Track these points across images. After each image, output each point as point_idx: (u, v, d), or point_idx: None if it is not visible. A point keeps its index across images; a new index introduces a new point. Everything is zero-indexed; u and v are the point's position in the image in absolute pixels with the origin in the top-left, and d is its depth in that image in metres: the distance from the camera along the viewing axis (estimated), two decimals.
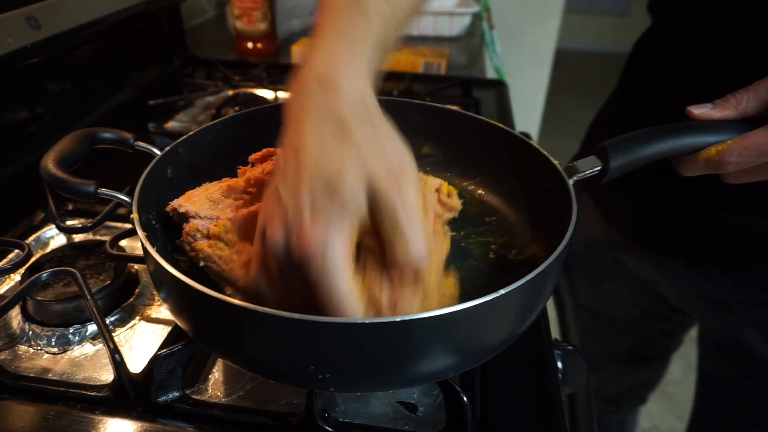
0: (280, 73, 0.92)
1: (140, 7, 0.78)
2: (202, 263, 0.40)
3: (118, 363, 0.36)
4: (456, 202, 0.50)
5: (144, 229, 0.35)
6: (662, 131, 0.42)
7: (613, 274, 0.73)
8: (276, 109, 0.52)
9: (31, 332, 0.44)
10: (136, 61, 0.85)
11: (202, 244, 0.41)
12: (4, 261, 0.45)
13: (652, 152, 0.41)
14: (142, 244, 0.33)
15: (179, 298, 0.32)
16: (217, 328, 0.31)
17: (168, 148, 0.45)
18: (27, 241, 0.52)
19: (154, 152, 0.44)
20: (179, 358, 0.37)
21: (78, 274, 0.43)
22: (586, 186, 0.72)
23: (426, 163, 0.57)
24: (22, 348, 0.43)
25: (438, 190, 0.49)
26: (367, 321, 0.28)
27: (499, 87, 0.93)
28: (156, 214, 0.43)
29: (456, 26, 1.19)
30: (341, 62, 0.33)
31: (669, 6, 0.59)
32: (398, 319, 0.28)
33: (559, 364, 0.47)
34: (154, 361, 0.36)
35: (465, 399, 0.34)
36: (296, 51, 0.98)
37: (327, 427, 0.34)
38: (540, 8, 1.70)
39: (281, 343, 0.30)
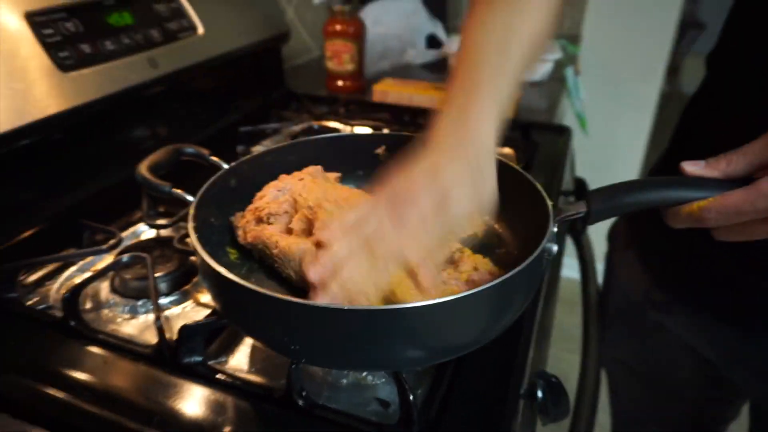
0: (357, 108, 1.03)
1: (246, 49, 0.94)
2: (250, 246, 0.50)
3: (159, 328, 0.47)
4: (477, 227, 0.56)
5: (202, 225, 0.46)
6: (649, 183, 0.45)
7: (656, 334, 0.71)
8: (318, 141, 0.62)
9: (112, 301, 0.56)
10: (240, 93, 1.01)
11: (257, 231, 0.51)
12: (105, 245, 0.59)
13: (635, 202, 0.44)
14: (190, 235, 0.44)
15: (209, 276, 0.41)
16: (229, 300, 0.41)
17: (234, 163, 0.56)
18: (124, 234, 0.65)
19: (223, 166, 0.56)
20: (202, 330, 0.46)
21: (149, 259, 0.55)
22: (633, 241, 0.73)
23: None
24: (104, 312, 0.56)
25: None
26: (330, 306, 0.36)
27: (562, 132, 0.96)
28: (217, 213, 0.54)
29: (538, 71, 1.23)
30: (481, 113, 0.42)
31: (730, 58, 0.59)
32: (354, 308, 0.35)
33: (540, 394, 0.50)
34: (183, 329, 0.46)
35: (411, 397, 0.40)
36: (377, 90, 1.09)
37: (300, 402, 0.42)
38: (643, 52, 1.67)
39: (267, 316, 0.38)
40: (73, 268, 0.61)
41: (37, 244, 0.60)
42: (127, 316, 0.55)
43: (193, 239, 0.42)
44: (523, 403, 0.47)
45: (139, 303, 0.55)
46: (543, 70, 1.23)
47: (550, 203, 0.48)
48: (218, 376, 0.45)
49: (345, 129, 0.92)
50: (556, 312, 0.88)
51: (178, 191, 0.49)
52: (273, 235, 0.49)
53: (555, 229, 0.45)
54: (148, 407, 0.43)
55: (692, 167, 0.43)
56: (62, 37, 0.65)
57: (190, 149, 0.55)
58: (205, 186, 0.50)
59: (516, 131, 0.93)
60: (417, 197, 0.40)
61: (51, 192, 0.65)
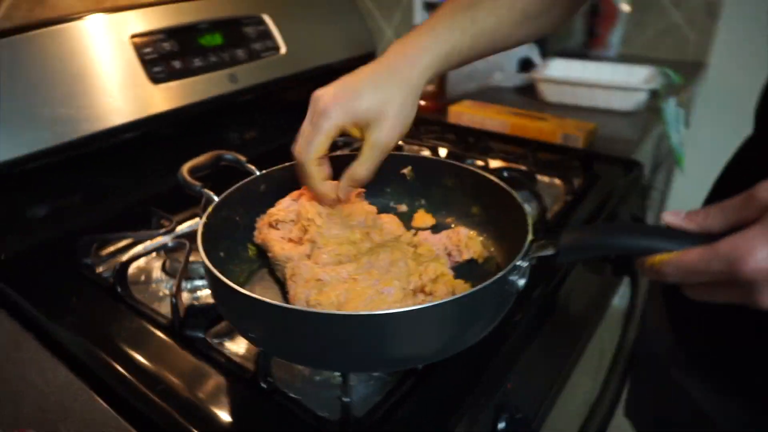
0: (425, 127, 1.07)
1: (326, 68, 1.03)
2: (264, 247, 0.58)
3: (174, 305, 0.55)
4: (467, 252, 0.58)
5: (225, 222, 0.55)
6: (621, 228, 0.44)
7: (675, 394, 0.66)
8: (350, 157, 0.68)
9: (160, 278, 0.67)
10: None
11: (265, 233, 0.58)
12: (161, 230, 0.70)
13: (604, 245, 0.44)
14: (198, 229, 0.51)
15: (208, 276, 0.49)
16: (211, 285, 0.48)
17: (265, 171, 0.64)
18: (183, 225, 0.76)
19: (255, 173, 0.63)
20: (205, 311, 0.54)
21: (187, 245, 0.64)
22: (666, 289, 0.68)
23: (472, 222, 0.65)
24: (152, 286, 0.66)
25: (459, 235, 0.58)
26: (273, 303, 0.41)
27: (632, 168, 0.91)
28: (242, 213, 0.61)
29: (629, 101, 1.17)
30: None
31: None
32: (294, 308, 0.40)
33: (502, 426, 0.50)
34: (188, 308, 0.54)
35: (343, 399, 0.43)
36: (452, 111, 1.12)
37: (263, 385, 0.47)
38: None
39: (231, 304, 0.45)
40: (139, 248, 0.73)
41: (116, 223, 0.73)
42: (167, 292, 0.65)
43: (198, 232, 0.50)
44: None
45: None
46: (634, 99, 1.16)
47: (529, 237, 0.48)
48: (210, 352, 0.53)
49: (403, 147, 0.97)
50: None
51: (208, 191, 0.58)
52: (273, 239, 0.56)
53: (523, 264, 0.46)
54: (156, 371, 0.51)
55: (671, 217, 0.42)
56: (158, 54, 0.78)
57: (229, 156, 0.64)
58: (230, 189, 0.58)
59: (575, 161, 0.90)
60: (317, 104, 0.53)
61: (133, 181, 0.78)
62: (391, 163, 0.68)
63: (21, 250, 0.70)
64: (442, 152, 0.95)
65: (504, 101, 1.18)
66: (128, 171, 0.78)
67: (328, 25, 1.06)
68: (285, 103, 1.05)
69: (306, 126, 0.55)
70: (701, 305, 0.59)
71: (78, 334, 0.55)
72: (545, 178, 0.89)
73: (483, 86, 1.34)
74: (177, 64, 0.80)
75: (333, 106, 0.52)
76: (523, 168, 0.87)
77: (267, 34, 0.93)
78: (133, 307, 0.59)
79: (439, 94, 1.20)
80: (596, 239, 0.44)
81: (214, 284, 0.45)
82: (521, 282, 0.46)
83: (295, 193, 0.62)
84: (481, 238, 0.61)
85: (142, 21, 0.78)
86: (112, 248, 0.71)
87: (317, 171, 0.54)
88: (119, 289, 0.61)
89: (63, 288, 0.62)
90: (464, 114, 1.11)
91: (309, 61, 0.99)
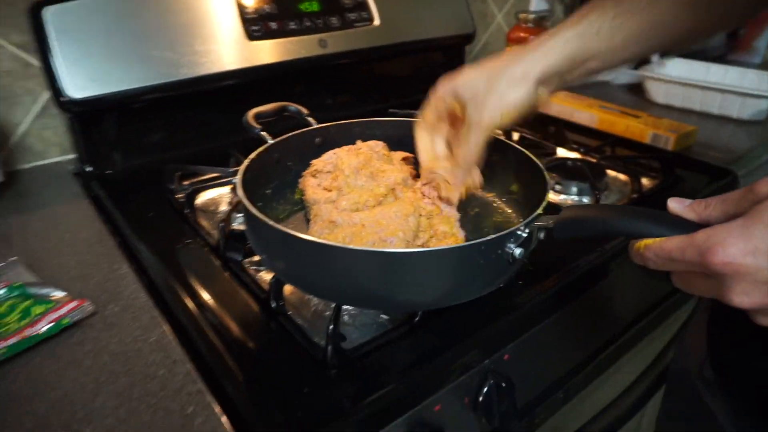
0: None
1: (418, 44, 1.06)
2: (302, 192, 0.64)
3: (221, 229, 0.63)
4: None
5: (277, 166, 0.62)
6: (619, 210, 0.44)
7: (702, 414, 0.61)
8: (402, 123, 0.70)
9: (224, 209, 0.76)
10: (410, 82, 1.14)
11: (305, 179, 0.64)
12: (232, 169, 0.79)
13: (600, 224, 0.43)
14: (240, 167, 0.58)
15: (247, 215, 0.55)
16: (246, 218, 0.54)
17: (321, 125, 0.69)
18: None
19: (313, 125, 0.69)
20: (242, 237, 0.61)
21: None
22: (710, 303, 0.63)
23: (510, 199, 0.65)
24: (217, 216, 0.75)
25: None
26: (290, 233, 0.46)
27: (724, 176, 0.83)
28: (296, 160, 0.67)
29: (747, 108, 1.05)
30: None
31: None
32: (306, 239, 0.45)
33: (485, 390, 0.51)
34: (230, 232, 0.62)
35: (329, 327, 0.47)
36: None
37: (273, 305, 0.53)
38: None
39: (256, 232, 0.50)
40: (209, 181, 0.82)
41: (200, 159, 0.83)
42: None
43: (243, 165, 0.56)
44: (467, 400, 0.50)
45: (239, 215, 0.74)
46: (754, 107, 1.04)
47: (538, 211, 0.48)
48: (242, 274, 0.60)
49: None
50: None
51: (264, 134, 0.64)
52: (309, 185, 0.61)
53: (521, 233, 0.47)
54: (197, 282, 0.59)
55: (674, 204, 0.40)
56: (258, 15, 0.87)
57: (292, 107, 0.70)
58: (284, 136, 0.65)
59: (655, 161, 0.84)
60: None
61: (221, 126, 0.88)
62: None
63: (123, 168, 0.83)
64: (515, 136, 0.94)
65: (608, 97, 1.13)
66: (219, 116, 0.88)
67: (428, 2, 1.08)
68: (375, 73, 1.10)
69: (442, 122, 0.58)
70: (737, 327, 0.55)
71: (145, 240, 0.65)
72: (619, 175, 0.85)
73: (587, 80, 1.28)
74: (273, 25, 0.88)
75: (441, 81, 0.55)
76: (592, 160, 0.84)
77: (363, 5, 0.98)
78: (194, 228, 0.68)
79: None
80: (591, 217, 0.43)
81: (243, 208, 0.51)
82: (518, 251, 0.47)
83: (338, 150, 0.66)
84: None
85: None
86: (193, 179, 0.82)
87: (420, 137, 0.58)
88: (187, 211, 0.71)
89: (146, 203, 0.73)
90: (554, 104, 1.08)
91: (401, 35, 1.03)
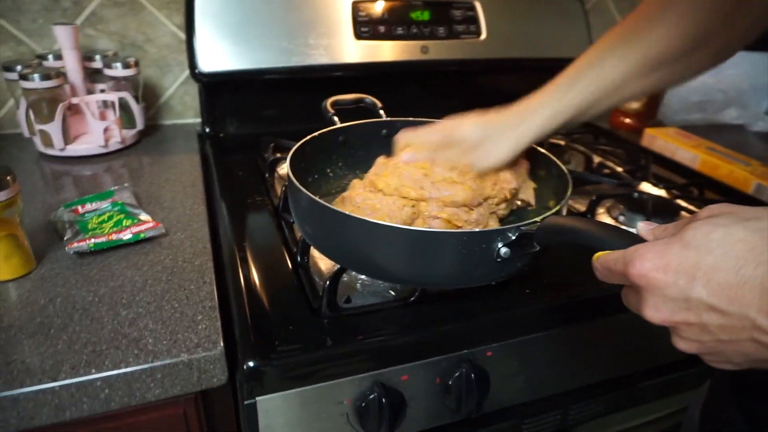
0: (605, 140, 1.03)
1: (525, 62, 1.08)
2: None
3: (283, 192, 0.73)
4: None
5: (345, 144, 0.70)
6: (586, 222, 0.45)
7: None
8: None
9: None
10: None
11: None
12: None
13: (570, 232, 0.45)
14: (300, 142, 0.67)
15: (290, 185, 0.64)
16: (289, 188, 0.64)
17: (388, 119, 0.76)
18: None
19: (383, 117, 0.76)
20: None
21: None
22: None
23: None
24: None
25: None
26: (319, 203, 0.54)
27: None
28: (360, 146, 0.74)
29: None
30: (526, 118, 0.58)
31: None
32: (329, 208, 0.53)
33: (456, 375, 0.54)
34: (283, 192, 0.71)
35: (327, 284, 0.54)
36: (647, 133, 1.05)
37: (298, 260, 0.61)
38: None
39: (295, 201, 0.58)
40: None
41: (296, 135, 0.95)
42: None
43: (302, 141, 0.66)
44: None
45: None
46: None
47: (536, 219, 0.50)
48: (288, 232, 0.69)
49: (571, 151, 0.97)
50: None
51: (335, 118, 0.73)
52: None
53: (511, 235, 0.49)
54: (252, 231, 0.70)
55: (641, 225, 0.41)
56: (369, 18, 0.97)
57: (368, 99, 0.78)
58: (352, 123, 0.73)
59: None
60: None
61: (320, 109, 0.99)
62: None
63: (234, 134, 0.98)
64: (596, 160, 0.92)
65: (733, 143, 1.03)
66: (321, 101, 0.99)
67: (543, 22, 1.10)
68: (479, 85, 1.14)
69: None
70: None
71: (225, 192, 0.78)
72: None
73: (713, 121, 1.18)
74: (381, 28, 0.97)
75: (444, 120, 0.64)
76: (666, 197, 0.79)
77: (473, 19, 1.03)
78: (268, 189, 0.80)
79: (645, 115, 1.12)
80: (566, 226, 0.45)
81: (291, 187, 0.60)
82: (504, 250, 0.49)
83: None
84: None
85: None
86: (286, 153, 0.94)
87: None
88: (267, 175, 0.83)
89: (240, 164, 0.87)
90: (657, 139, 1.03)
91: (507, 51, 1.06)
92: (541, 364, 0.60)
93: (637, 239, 0.39)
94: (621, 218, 0.78)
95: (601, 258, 0.39)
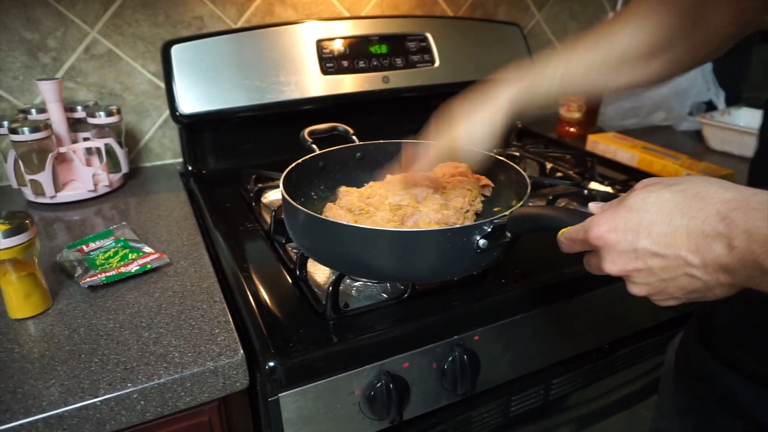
0: (552, 146, 1.15)
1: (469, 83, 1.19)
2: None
3: (273, 217, 0.80)
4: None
5: (323, 170, 0.77)
6: (549, 207, 0.54)
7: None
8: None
9: None
10: None
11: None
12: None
13: (537, 218, 0.53)
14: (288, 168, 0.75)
15: (286, 205, 0.72)
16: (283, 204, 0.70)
17: (362, 143, 0.84)
18: None
19: (356, 142, 0.84)
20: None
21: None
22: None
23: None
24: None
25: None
26: (309, 213, 0.61)
27: None
28: (338, 169, 0.82)
29: None
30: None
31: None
32: (311, 215, 0.60)
33: (449, 360, 0.61)
34: (273, 216, 0.78)
35: (330, 288, 0.61)
36: (590, 138, 1.17)
37: (297, 274, 0.68)
38: None
39: (291, 217, 0.65)
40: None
41: (275, 166, 1.01)
42: None
43: (289, 168, 0.73)
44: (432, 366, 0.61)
45: None
46: None
47: (506, 213, 0.59)
48: (283, 253, 0.75)
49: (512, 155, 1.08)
50: None
51: (314, 146, 0.81)
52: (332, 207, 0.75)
53: (487, 228, 0.57)
54: (249, 253, 0.76)
55: (593, 204, 0.50)
56: (332, 54, 1.06)
57: (341, 127, 0.86)
58: (329, 149, 0.80)
59: None
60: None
61: (296, 140, 1.07)
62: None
63: (215, 169, 1.04)
64: (548, 167, 1.03)
65: (669, 143, 1.16)
66: (295, 132, 1.06)
67: (488, 47, 1.22)
68: (436, 107, 1.24)
69: None
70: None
71: (217, 221, 0.84)
72: None
73: (643, 124, 1.32)
74: (345, 63, 1.06)
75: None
76: (611, 191, 0.90)
77: (426, 49, 1.14)
78: (256, 217, 0.86)
79: (585, 123, 1.25)
80: (532, 214, 0.54)
81: (282, 195, 0.67)
82: (482, 242, 0.57)
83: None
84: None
85: (328, 30, 1.06)
86: (266, 182, 1.00)
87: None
88: (253, 204, 0.89)
89: (226, 196, 0.93)
90: (599, 143, 1.15)
91: (459, 76, 1.17)
92: (522, 344, 0.68)
93: (590, 216, 0.48)
94: None
95: (565, 233, 0.47)
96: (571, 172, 1.01)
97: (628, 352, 0.80)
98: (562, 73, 0.62)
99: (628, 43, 0.60)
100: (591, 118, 1.26)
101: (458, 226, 0.57)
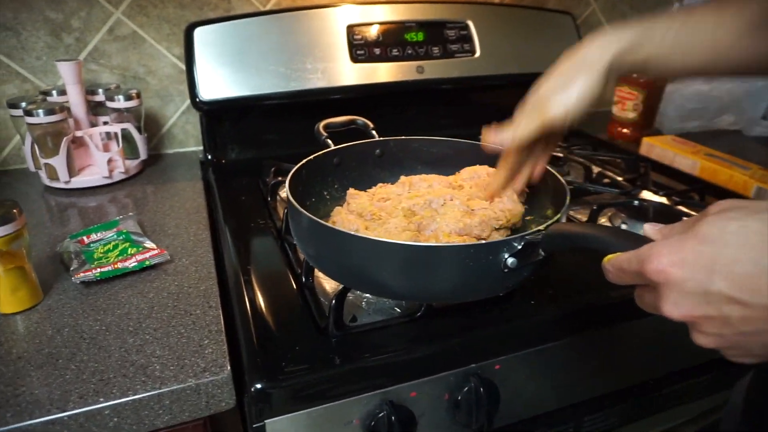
0: (603, 149, 1.04)
1: (519, 78, 1.09)
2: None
3: (285, 215, 0.74)
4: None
5: (339, 166, 0.71)
6: (592, 226, 0.45)
7: None
8: (459, 144, 0.75)
9: None
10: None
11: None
12: None
13: (577, 238, 0.45)
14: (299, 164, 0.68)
15: (290, 208, 0.65)
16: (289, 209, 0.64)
17: (381, 139, 0.77)
18: None
19: (375, 138, 0.77)
20: None
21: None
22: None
23: (543, 223, 0.67)
24: None
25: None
26: (318, 222, 0.54)
27: None
28: (355, 167, 0.75)
29: None
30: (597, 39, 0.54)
31: None
32: (324, 225, 0.53)
33: (465, 390, 0.54)
34: (286, 214, 0.72)
35: (333, 302, 0.54)
36: (645, 141, 1.06)
37: (304, 281, 0.62)
38: None
39: (296, 222, 0.59)
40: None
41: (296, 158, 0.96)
42: None
43: (298, 164, 0.66)
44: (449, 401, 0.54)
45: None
46: None
47: (540, 227, 0.50)
48: (292, 253, 0.69)
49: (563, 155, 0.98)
50: None
51: (329, 141, 0.74)
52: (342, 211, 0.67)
53: (515, 243, 0.49)
54: (256, 253, 0.70)
55: (648, 227, 0.41)
56: (364, 41, 0.98)
57: (360, 121, 0.79)
58: (346, 144, 0.73)
59: None
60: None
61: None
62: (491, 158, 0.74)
63: (236, 159, 1.00)
64: (595, 170, 0.93)
65: (730, 148, 1.03)
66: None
67: (536, 37, 1.11)
68: (475, 101, 1.15)
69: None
70: None
71: (228, 216, 0.79)
72: None
73: (709, 128, 1.19)
74: (377, 50, 0.99)
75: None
76: (667, 203, 0.80)
77: (466, 38, 1.05)
78: (270, 213, 0.81)
79: (641, 124, 1.13)
80: (572, 232, 0.45)
81: (287, 197, 0.61)
82: (511, 260, 0.49)
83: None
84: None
85: (360, 15, 0.99)
86: (278, 177, 0.94)
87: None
88: (269, 199, 0.84)
89: (242, 189, 0.88)
90: (655, 147, 1.04)
91: (501, 68, 1.07)
92: (550, 376, 0.60)
93: (646, 240, 0.39)
94: (623, 226, 0.78)
95: (613, 260, 0.39)
96: (620, 179, 0.90)
97: (679, 388, 0.70)
98: (675, 33, 0.51)
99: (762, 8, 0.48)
100: (647, 119, 1.14)
101: (484, 241, 0.49)
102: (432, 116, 1.12)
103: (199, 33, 0.92)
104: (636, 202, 0.78)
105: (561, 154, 1.00)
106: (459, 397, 0.54)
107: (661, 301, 0.34)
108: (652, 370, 0.68)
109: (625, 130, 1.16)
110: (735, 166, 0.92)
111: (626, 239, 0.39)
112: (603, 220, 0.79)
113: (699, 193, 0.86)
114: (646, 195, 0.87)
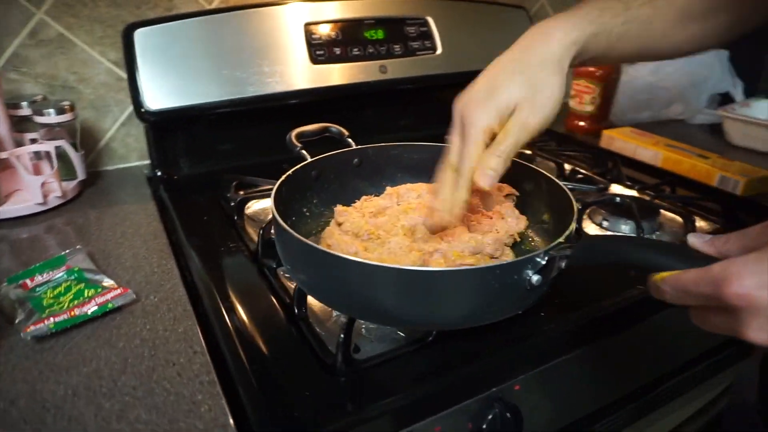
0: (566, 145, 1.04)
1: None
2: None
3: (260, 236, 0.67)
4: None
5: (318, 180, 0.65)
6: (636, 242, 0.42)
7: None
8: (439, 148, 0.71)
9: None
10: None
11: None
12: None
13: (618, 255, 0.42)
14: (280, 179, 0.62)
15: (275, 226, 0.59)
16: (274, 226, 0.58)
17: (359, 147, 0.72)
18: None
19: (352, 146, 0.72)
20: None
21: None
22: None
23: (542, 229, 0.64)
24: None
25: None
26: (309, 245, 0.48)
27: None
28: (333, 179, 0.69)
29: None
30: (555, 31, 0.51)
31: None
32: (313, 247, 0.47)
33: (490, 418, 0.50)
34: (261, 237, 0.65)
35: (342, 336, 0.49)
36: (605, 134, 1.07)
37: (296, 313, 0.56)
38: None
39: (287, 247, 0.53)
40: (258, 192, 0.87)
41: (257, 171, 0.88)
42: None
43: (280, 180, 0.60)
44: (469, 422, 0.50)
45: None
46: None
47: (559, 240, 0.48)
48: (274, 279, 0.63)
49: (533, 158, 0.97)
50: None
51: (304, 152, 0.68)
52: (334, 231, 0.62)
53: (541, 261, 0.46)
54: (234, 283, 0.63)
55: (694, 239, 0.39)
56: (323, 41, 0.92)
57: (334, 128, 0.73)
58: (323, 155, 0.67)
59: (716, 204, 0.79)
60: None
61: (281, 141, 0.93)
62: None
63: (189, 174, 0.90)
64: (567, 167, 0.92)
65: (682, 137, 1.06)
66: (281, 132, 0.93)
67: (493, 32, 1.10)
68: (439, 99, 1.12)
69: (454, 138, 0.53)
70: None
71: (194, 241, 0.70)
72: (676, 217, 0.80)
73: (659, 118, 1.23)
74: (337, 50, 0.93)
75: (474, 111, 0.50)
76: (645, 198, 0.80)
77: (427, 35, 1.01)
78: (240, 234, 0.73)
79: (598, 117, 1.15)
80: (609, 248, 0.42)
81: (273, 219, 0.54)
82: (536, 278, 0.46)
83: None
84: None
85: (317, 12, 0.93)
86: (248, 190, 0.87)
87: (469, 183, 0.50)
88: (235, 218, 0.76)
89: (202, 208, 0.80)
90: (616, 140, 1.05)
91: (463, 65, 1.04)
92: (567, 389, 0.58)
93: (702, 256, 0.37)
94: (605, 223, 0.77)
95: (671, 280, 0.36)
96: (592, 174, 0.90)
97: (680, 381, 0.70)
98: (621, 24, 0.52)
99: None
100: (603, 111, 1.15)
101: (507, 261, 0.46)
102: (393, 118, 1.08)
103: (139, 35, 0.82)
104: (618, 200, 0.78)
105: (529, 151, 0.99)
106: (484, 426, 0.50)
107: (743, 327, 0.31)
108: (659, 367, 0.67)
109: (582, 123, 1.17)
110: (694, 156, 0.95)
111: (688, 257, 0.37)
112: (583, 218, 0.79)
113: (669, 186, 0.87)
114: (618, 189, 0.87)
